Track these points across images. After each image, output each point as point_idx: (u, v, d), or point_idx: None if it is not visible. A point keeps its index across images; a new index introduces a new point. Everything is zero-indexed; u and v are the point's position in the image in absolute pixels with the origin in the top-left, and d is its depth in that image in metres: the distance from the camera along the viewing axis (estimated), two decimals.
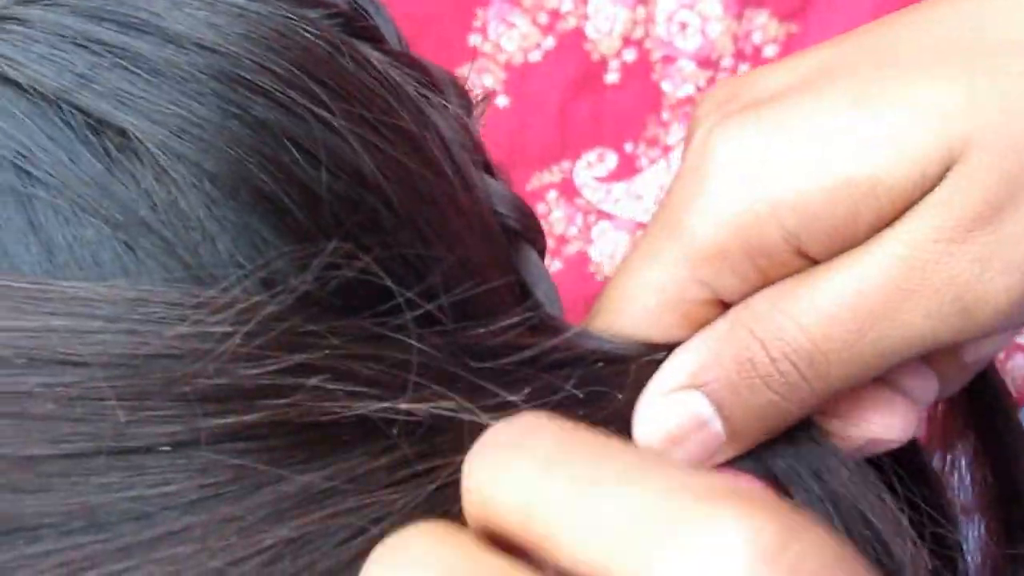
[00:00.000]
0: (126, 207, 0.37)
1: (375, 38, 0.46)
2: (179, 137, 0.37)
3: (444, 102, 0.47)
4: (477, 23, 1.02)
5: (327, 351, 0.37)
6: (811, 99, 0.42)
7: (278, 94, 0.38)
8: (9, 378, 0.34)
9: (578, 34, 1.02)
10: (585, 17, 1.02)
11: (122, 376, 0.35)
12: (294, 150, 0.38)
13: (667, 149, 1.04)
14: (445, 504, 0.38)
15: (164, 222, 0.37)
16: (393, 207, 0.40)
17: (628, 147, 1.04)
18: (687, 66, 1.03)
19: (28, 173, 0.37)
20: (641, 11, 1.02)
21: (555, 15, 1.02)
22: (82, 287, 0.35)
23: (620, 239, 1.05)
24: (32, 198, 0.37)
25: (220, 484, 0.35)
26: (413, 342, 0.39)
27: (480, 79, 1.03)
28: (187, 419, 0.35)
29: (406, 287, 0.39)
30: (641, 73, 1.03)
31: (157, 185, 0.37)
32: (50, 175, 0.37)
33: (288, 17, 0.40)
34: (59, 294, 0.35)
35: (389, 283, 0.39)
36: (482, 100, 0.51)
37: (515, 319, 0.43)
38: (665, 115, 1.04)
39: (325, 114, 0.39)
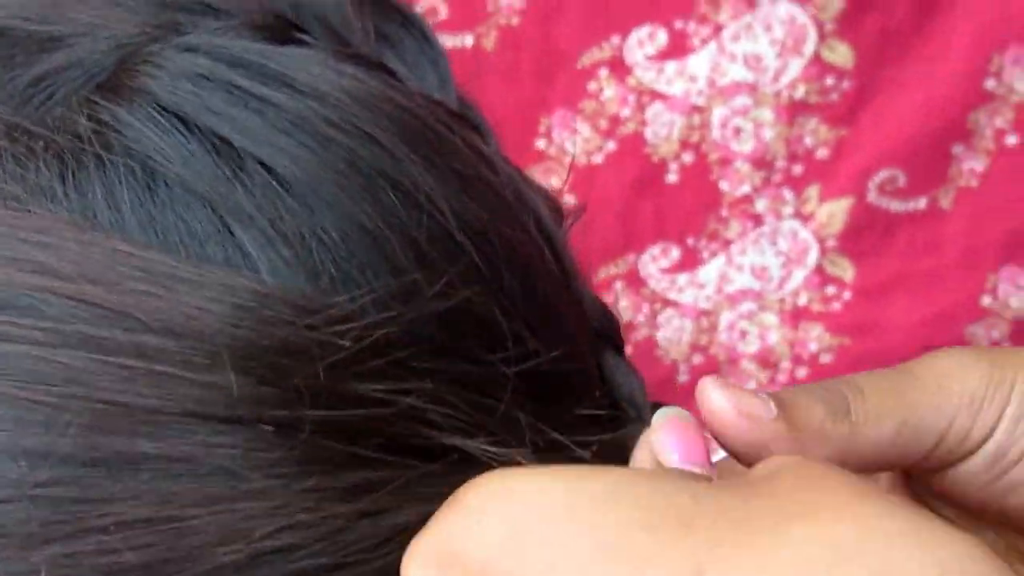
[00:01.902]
0: (238, 208, 0.41)
1: (479, 132, 0.51)
2: (291, 164, 0.41)
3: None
4: (542, 128, 1.07)
5: (427, 381, 0.40)
6: None
7: (383, 140, 0.42)
8: (140, 337, 0.38)
9: (638, 138, 1.07)
10: (644, 123, 1.07)
11: (244, 357, 0.38)
12: (393, 191, 0.42)
13: (727, 243, 1.10)
14: None
15: (272, 227, 0.40)
16: (490, 259, 0.43)
17: (690, 241, 1.10)
18: (743, 167, 1.08)
19: (153, 170, 0.41)
20: (696, 118, 1.06)
21: (615, 120, 1.07)
22: (221, 274, 0.39)
23: (685, 325, 1.12)
24: (155, 190, 0.41)
25: (305, 462, 0.39)
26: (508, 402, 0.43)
27: (548, 180, 1.09)
28: (293, 407, 0.38)
29: (501, 338, 0.43)
30: (700, 173, 1.08)
31: (266, 199, 0.41)
32: (174, 173, 0.41)
33: (400, 89, 0.46)
34: (196, 275, 0.39)
35: (500, 319, 0.43)
36: (574, 213, 0.54)
37: (601, 411, 0.47)
38: (724, 212, 1.09)
39: (423, 162, 0.43)
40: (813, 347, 1.12)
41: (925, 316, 1.09)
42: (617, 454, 0.45)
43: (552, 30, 1.05)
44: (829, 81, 1.04)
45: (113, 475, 0.38)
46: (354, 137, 0.42)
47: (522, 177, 0.50)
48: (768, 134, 1.06)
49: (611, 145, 1.08)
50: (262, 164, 0.41)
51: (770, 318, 1.12)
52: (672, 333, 1.12)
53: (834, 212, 1.08)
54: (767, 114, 1.06)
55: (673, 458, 0.42)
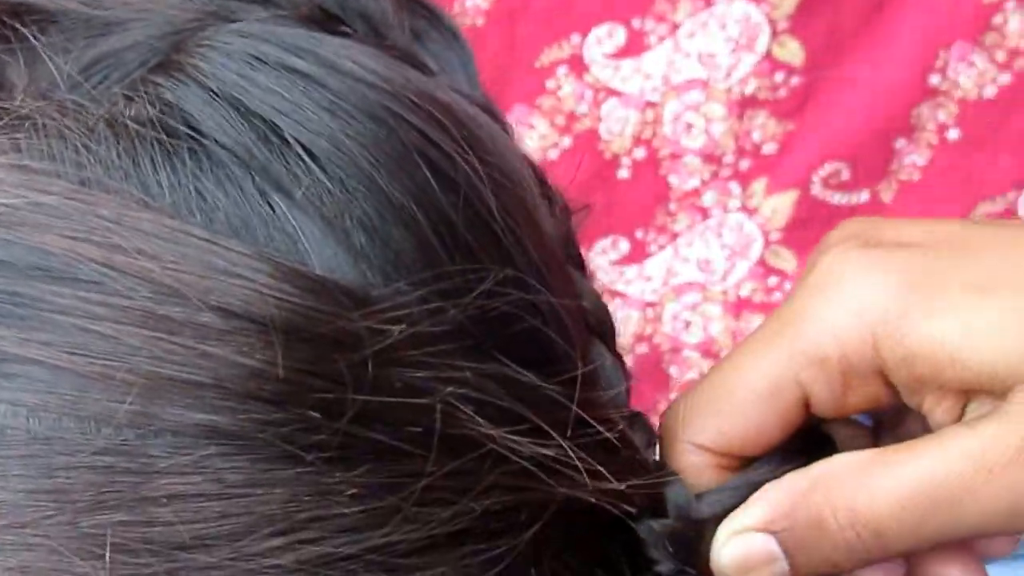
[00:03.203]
0: (286, 191, 0.42)
1: (505, 131, 0.53)
2: (331, 145, 0.42)
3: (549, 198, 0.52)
4: None
5: (467, 373, 0.42)
6: (933, 259, 0.48)
7: (421, 126, 0.43)
8: (195, 316, 0.39)
9: (592, 134, 1.10)
10: (599, 119, 1.09)
11: (294, 341, 0.39)
12: (431, 175, 0.43)
13: (674, 236, 1.13)
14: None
15: (317, 212, 0.42)
16: (525, 251, 0.45)
17: (639, 234, 1.13)
18: (692, 161, 1.11)
19: (207, 151, 0.42)
20: (650, 114, 1.09)
21: (571, 117, 1.09)
22: (275, 260, 0.40)
23: (631, 316, 1.15)
24: (206, 171, 0.42)
25: (350, 448, 0.40)
26: (555, 392, 0.44)
27: None
28: (338, 392, 0.40)
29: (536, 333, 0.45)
30: (650, 169, 1.11)
31: (310, 182, 0.42)
32: (225, 155, 0.42)
33: (435, 82, 0.48)
34: (252, 260, 0.40)
35: (551, 333, 0.45)
36: (581, 210, 0.57)
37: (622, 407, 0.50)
38: (672, 206, 1.13)
39: (459, 150, 0.44)
40: None
41: None
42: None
43: (514, 30, 1.07)
44: (779, 77, 1.09)
45: (168, 448, 0.39)
46: (395, 121, 0.43)
47: (535, 169, 0.53)
48: (718, 129, 1.10)
49: (567, 141, 1.10)
50: (303, 147, 0.42)
51: (713, 309, 1.15)
52: (618, 325, 1.15)
53: (778, 206, 1.12)
54: (718, 109, 1.09)
55: None
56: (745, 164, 1.11)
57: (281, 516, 0.39)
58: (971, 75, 1.06)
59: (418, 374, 0.41)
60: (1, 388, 0.39)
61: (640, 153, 1.10)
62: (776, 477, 0.48)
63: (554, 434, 0.43)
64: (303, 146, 0.42)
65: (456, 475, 0.42)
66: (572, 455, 0.44)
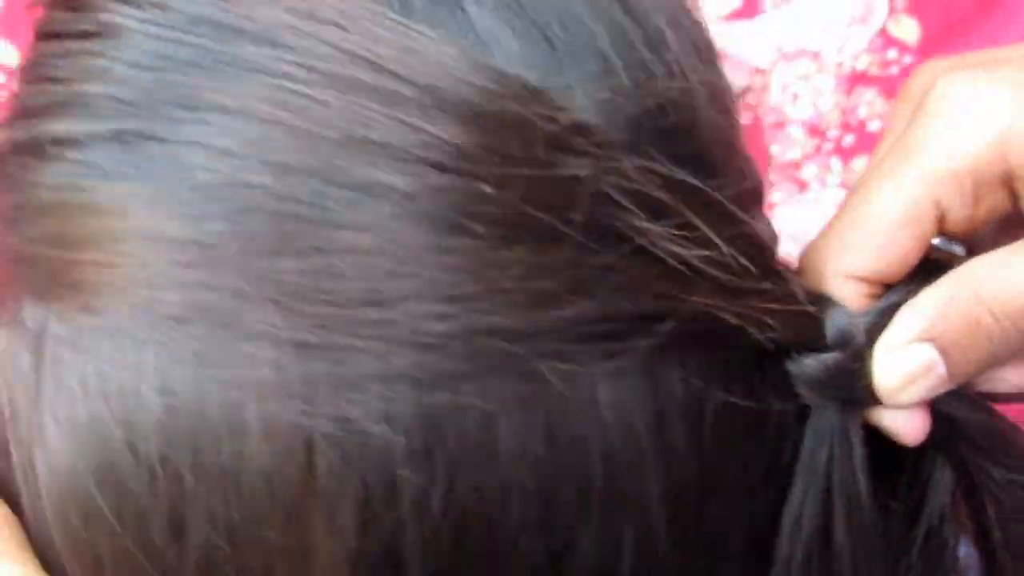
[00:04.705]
0: None
1: None
2: None
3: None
4: None
5: (627, 167, 0.43)
6: None
7: None
8: (389, 84, 0.41)
9: None
10: None
11: (473, 116, 0.42)
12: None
13: (770, 207, 1.12)
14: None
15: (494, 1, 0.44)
16: (690, 56, 0.47)
17: None
18: (796, 132, 1.09)
19: None
20: (758, 80, 1.08)
21: None
22: (463, 44, 0.43)
23: None
24: None
25: (515, 227, 0.42)
26: (731, 207, 0.47)
27: None
28: (508, 166, 0.42)
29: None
30: (753, 135, 1.09)
31: None
32: None
33: None
34: (432, 38, 0.42)
35: (715, 144, 0.47)
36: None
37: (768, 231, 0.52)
38: (772, 176, 1.11)
39: None
40: None
41: None
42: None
43: None
44: (891, 54, 1.07)
45: (348, 201, 0.40)
46: None
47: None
48: (826, 103, 1.07)
49: None
50: None
51: None
52: None
53: None
54: (827, 82, 1.07)
55: None
56: (849, 140, 1.09)
57: (450, 283, 0.41)
58: None
59: (582, 161, 0.42)
60: (197, 132, 0.41)
61: (744, 119, 1.09)
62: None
63: (711, 233, 0.45)
64: None
65: (607, 270, 0.43)
66: (728, 255, 0.46)
